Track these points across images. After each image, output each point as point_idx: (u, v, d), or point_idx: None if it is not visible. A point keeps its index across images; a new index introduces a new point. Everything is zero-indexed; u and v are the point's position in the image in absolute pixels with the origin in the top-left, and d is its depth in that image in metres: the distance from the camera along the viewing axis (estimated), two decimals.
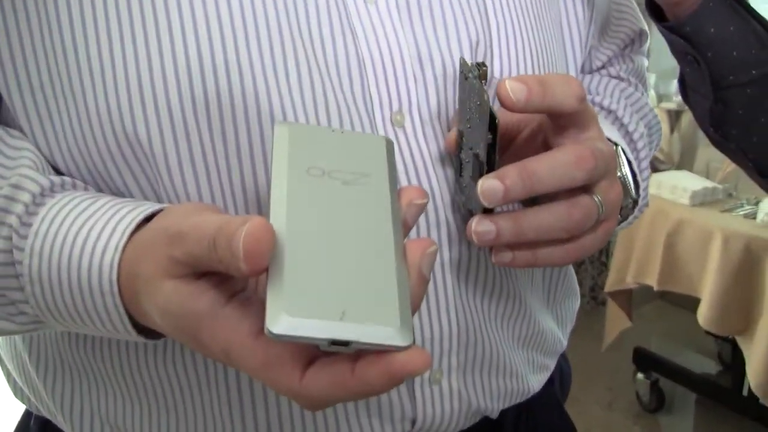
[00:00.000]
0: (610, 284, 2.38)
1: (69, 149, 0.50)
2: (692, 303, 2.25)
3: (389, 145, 0.46)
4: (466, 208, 0.52)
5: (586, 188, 0.48)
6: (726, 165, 2.27)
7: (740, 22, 0.66)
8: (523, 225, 0.47)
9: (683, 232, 2.16)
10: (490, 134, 0.45)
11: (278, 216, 0.38)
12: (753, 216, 2.08)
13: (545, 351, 0.68)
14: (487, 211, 0.47)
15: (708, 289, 2.07)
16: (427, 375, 0.55)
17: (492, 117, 0.45)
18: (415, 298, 0.39)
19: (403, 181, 0.52)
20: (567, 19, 0.66)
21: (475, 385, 0.59)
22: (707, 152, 2.53)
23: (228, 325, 0.38)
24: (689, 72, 0.71)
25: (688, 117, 2.51)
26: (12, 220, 0.47)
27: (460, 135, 0.51)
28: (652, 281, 2.25)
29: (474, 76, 0.48)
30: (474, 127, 0.48)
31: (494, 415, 0.62)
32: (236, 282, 0.41)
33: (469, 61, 0.51)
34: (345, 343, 0.34)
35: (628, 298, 2.42)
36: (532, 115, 0.50)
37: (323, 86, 0.50)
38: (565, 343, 0.73)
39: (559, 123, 0.48)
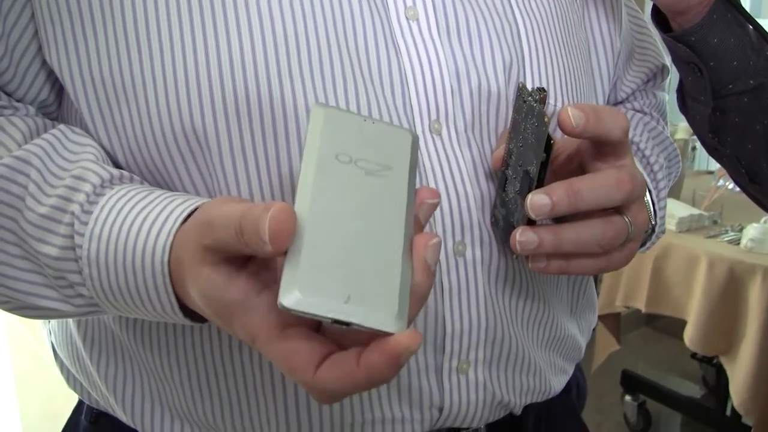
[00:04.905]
0: (600, 307, 2.40)
1: (129, 143, 0.53)
2: (677, 330, 2.27)
3: (414, 139, 0.48)
4: (506, 220, 0.55)
5: (618, 209, 0.52)
6: (711, 193, 2.34)
7: (740, 32, 0.68)
8: (563, 238, 0.50)
9: (670, 257, 2.20)
10: (544, 153, 0.49)
11: (303, 198, 0.41)
12: (737, 242, 2.14)
13: (565, 355, 0.70)
14: (530, 224, 0.50)
15: (694, 312, 2.11)
16: (455, 365, 0.58)
17: (549, 138, 0.48)
18: (421, 287, 0.41)
19: (438, 182, 0.55)
20: (596, 48, 0.69)
21: (500, 379, 0.61)
22: (693, 181, 2.58)
23: (257, 316, 0.41)
24: (691, 81, 0.72)
25: None
26: (74, 207, 0.50)
27: (509, 152, 0.54)
28: (640, 304, 2.29)
29: (534, 100, 0.51)
30: (527, 147, 0.51)
31: (517, 410, 0.64)
32: (268, 275, 0.43)
33: (529, 87, 0.54)
34: (346, 324, 0.37)
35: (616, 322, 2.45)
36: (572, 139, 0.53)
37: (367, 94, 0.53)
38: (583, 351, 0.75)
39: (601, 150, 0.52)
